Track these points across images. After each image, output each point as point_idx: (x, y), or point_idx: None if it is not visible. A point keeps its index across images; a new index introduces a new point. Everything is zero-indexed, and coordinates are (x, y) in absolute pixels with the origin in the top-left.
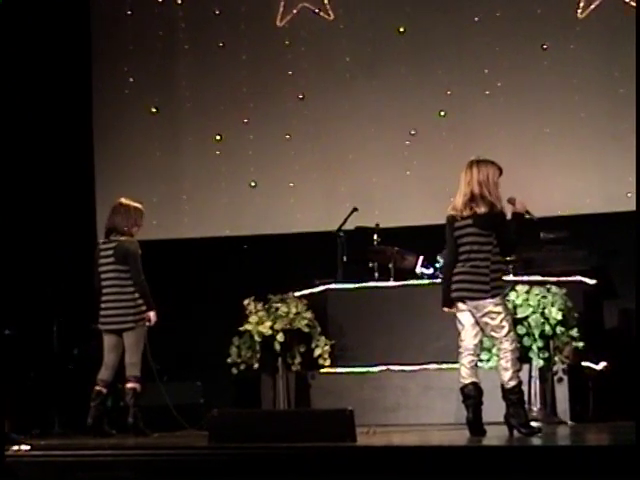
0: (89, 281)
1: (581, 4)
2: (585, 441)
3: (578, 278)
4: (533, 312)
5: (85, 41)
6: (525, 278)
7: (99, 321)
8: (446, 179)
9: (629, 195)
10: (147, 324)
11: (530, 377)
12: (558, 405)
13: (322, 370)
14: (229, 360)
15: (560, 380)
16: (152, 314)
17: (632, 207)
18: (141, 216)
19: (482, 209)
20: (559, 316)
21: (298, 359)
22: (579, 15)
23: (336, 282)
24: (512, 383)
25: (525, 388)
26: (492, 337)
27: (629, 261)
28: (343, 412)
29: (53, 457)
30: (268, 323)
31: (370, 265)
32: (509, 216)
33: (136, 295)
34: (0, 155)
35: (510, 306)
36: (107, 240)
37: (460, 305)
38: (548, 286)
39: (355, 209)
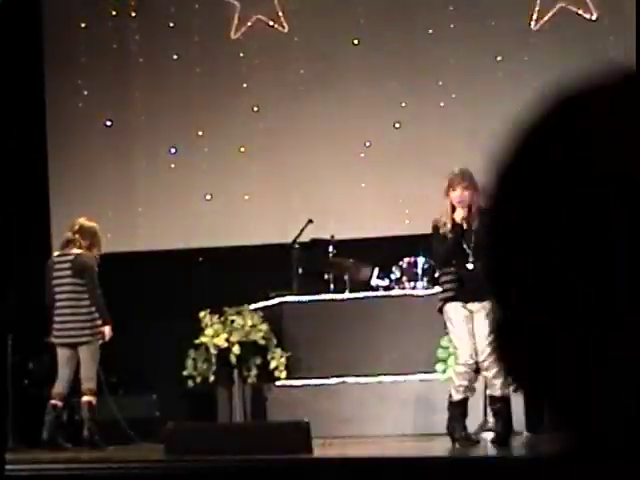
0: (44, 294)
1: (534, 16)
2: (541, 451)
3: None
4: None
5: (38, 54)
6: None
7: (53, 334)
8: (401, 191)
9: None
10: (101, 339)
11: (486, 387)
12: (514, 416)
13: (278, 382)
14: (185, 373)
15: (516, 390)
16: (107, 328)
17: None
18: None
19: None
20: None
21: (254, 371)
22: (533, 27)
23: (291, 294)
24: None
25: (481, 399)
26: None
27: None
28: (299, 424)
29: (8, 471)
30: (224, 335)
31: (325, 277)
32: None
33: (93, 309)
34: None
35: None
36: (62, 253)
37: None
38: None
39: (310, 221)
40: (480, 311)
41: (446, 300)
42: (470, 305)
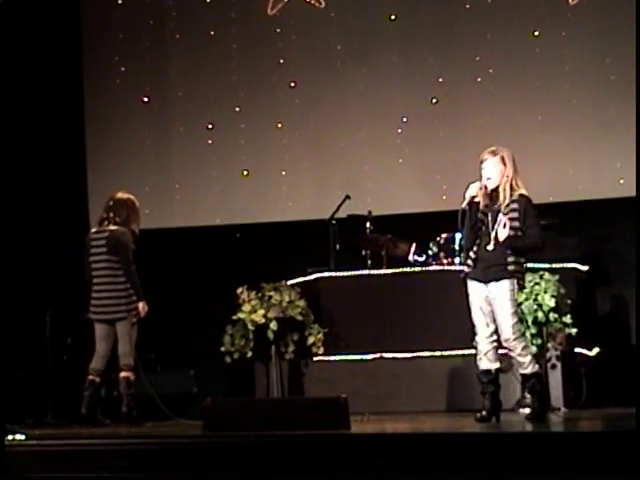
0: (82, 271)
1: None
2: (578, 427)
3: (571, 265)
4: (526, 299)
5: (75, 30)
6: None
7: (90, 310)
8: (438, 166)
9: (621, 182)
10: (137, 315)
11: None
12: (551, 392)
13: (315, 358)
14: (222, 349)
15: (553, 367)
16: (141, 304)
17: (624, 193)
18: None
19: None
20: (552, 303)
21: (291, 347)
22: (570, 2)
23: (329, 270)
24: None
25: (517, 375)
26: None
27: (620, 247)
28: (337, 400)
29: (48, 446)
30: (261, 311)
31: (363, 253)
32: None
33: (128, 285)
34: None
35: None
36: (99, 229)
37: None
38: (541, 273)
39: (347, 197)
40: (497, 293)
41: (467, 276)
42: (487, 285)
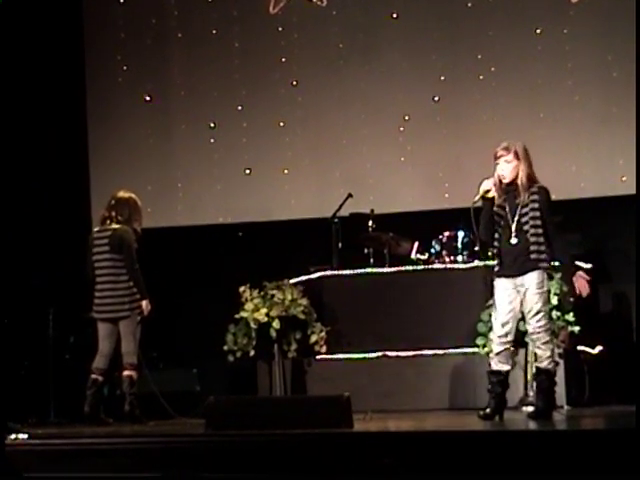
0: (85, 269)
1: None
2: (581, 425)
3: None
4: None
5: (77, 29)
6: None
7: (93, 309)
8: (440, 165)
9: (624, 179)
10: (140, 314)
11: (526, 362)
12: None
13: (318, 357)
14: (225, 347)
15: (556, 364)
16: (144, 303)
17: (627, 191)
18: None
19: None
20: (554, 300)
21: (294, 346)
22: None
23: (331, 269)
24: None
25: (521, 373)
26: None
27: (623, 245)
28: (340, 398)
29: (50, 445)
30: (264, 310)
31: (365, 251)
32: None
33: (131, 283)
34: None
35: None
36: (102, 228)
37: None
38: None
39: (350, 195)
40: (526, 284)
41: (496, 274)
42: (517, 279)
